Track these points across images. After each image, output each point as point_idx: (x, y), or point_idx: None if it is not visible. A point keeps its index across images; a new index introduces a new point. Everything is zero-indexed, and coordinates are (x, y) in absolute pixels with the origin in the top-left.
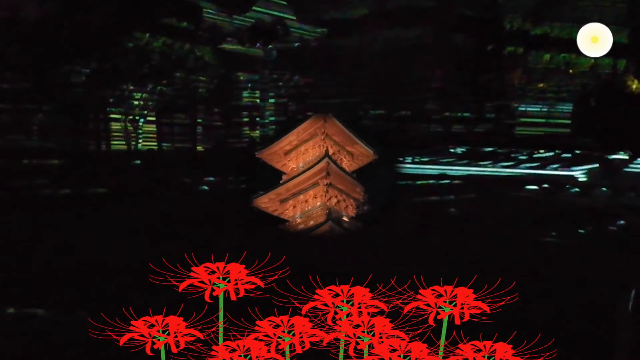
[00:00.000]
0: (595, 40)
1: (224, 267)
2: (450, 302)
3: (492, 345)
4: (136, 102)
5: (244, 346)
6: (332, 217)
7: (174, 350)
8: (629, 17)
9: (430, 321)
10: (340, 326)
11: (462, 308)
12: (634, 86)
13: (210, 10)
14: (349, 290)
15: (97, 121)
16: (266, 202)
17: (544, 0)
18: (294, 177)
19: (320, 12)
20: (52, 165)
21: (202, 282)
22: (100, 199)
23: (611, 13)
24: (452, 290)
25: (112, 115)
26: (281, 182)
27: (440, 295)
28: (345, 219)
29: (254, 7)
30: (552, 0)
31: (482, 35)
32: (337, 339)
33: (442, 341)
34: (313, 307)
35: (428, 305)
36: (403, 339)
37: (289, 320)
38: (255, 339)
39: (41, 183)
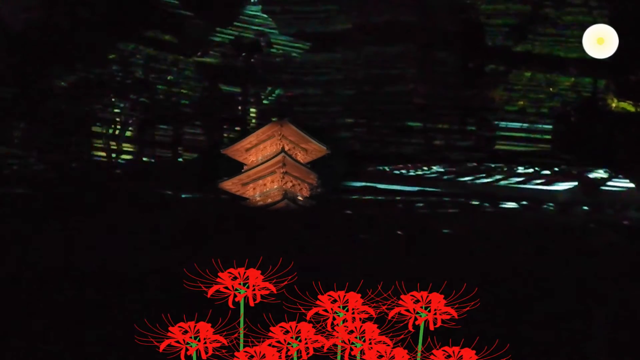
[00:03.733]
0: (601, 41)
1: (244, 272)
2: (425, 308)
3: (459, 351)
4: (118, 112)
5: (260, 352)
6: (287, 197)
7: (204, 356)
8: None
9: (410, 327)
10: (337, 332)
11: (435, 313)
12: (614, 105)
13: (193, 23)
14: (345, 295)
15: (79, 132)
16: (230, 185)
17: (526, 17)
18: (255, 166)
19: (304, 26)
20: (32, 176)
21: (226, 287)
22: (80, 209)
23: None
24: (427, 296)
25: (94, 126)
26: (242, 170)
27: (417, 301)
28: (300, 198)
29: (235, 22)
30: (535, 18)
31: (464, 51)
32: (335, 345)
33: (420, 347)
34: (315, 313)
35: (408, 310)
36: (388, 345)
37: (296, 326)
38: (270, 345)
39: (21, 193)
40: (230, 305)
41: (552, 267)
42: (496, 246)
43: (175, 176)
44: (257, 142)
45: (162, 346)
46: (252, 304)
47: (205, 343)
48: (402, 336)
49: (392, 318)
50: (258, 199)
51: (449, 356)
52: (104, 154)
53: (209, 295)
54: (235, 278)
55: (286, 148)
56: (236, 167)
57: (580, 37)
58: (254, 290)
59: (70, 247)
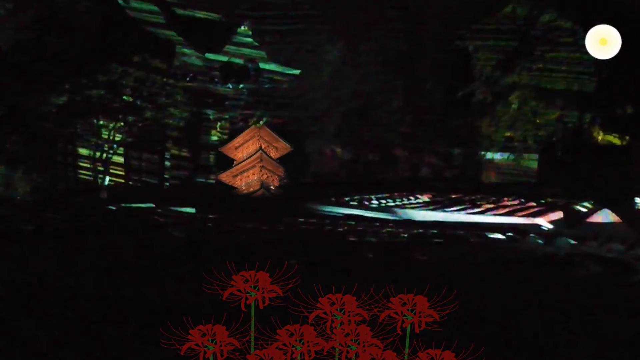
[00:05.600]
0: (604, 42)
1: (255, 275)
2: (411, 310)
3: (440, 354)
4: (105, 135)
5: (268, 355)
6: (263, 186)
7: (220, 359)
8: (596, 69)
9: (398, 329)
10: (335, 335)
11: (419, 316)
12: (600, 137)
13: (183, 48)
14: (342, 298)
15: (66, 153)
16: (224, 177)
17: (513, 50)
18: (241, 162)
19: (293, 54)
20: (18, 196)
21: (239, 290)
22: (65, 232)
23: (579, 64)
24: (413, 299)
25: (81, 148)
26: (233, 165)
27: (404, 304)
28: (272, 187)
29: (226, 47)
30: (522, 51)
31: (451, 81)
32: (334, 348)
33: (407, 349)
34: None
35: (396, 313)
36: (379, 347)
37: (299, 329)
38: (277, 347)
39: (6, 214)
40: (243, 308)
41: (535, 298)
42: (480, 276)
43: (162, 200)
44: (243, 142)
45: (184, 349)
46: (261, 306)
47: (220, 346)
48: (392, 339)
49: (382, 320)
50: (243, 188)
51: (432, 359)
52: (90, 174)
53: (224, 298)
54: (247, 281)
55: (263, 147)
56: (229, 162)
57: (567, 70)
58: (262, 292)
59: (56, 271)
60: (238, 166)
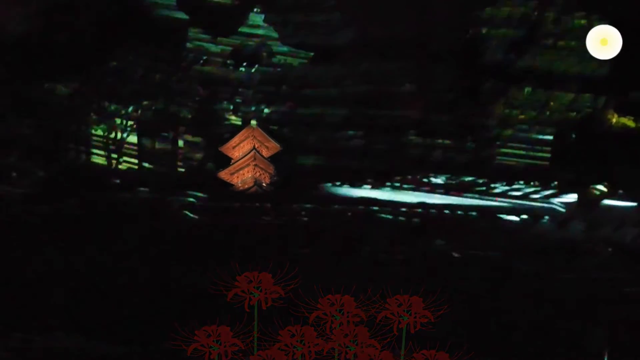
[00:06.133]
0: (604, 42)
1: (258, 276)
2: (407, 311)
3: (435, 354)
4: (118, 122)
5: (270, 355)
6: (257, 183)
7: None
8: None
9: (395, 330)
10: (334, 335)
11: (415, 317)
12: (614, 120)
13: (195, 33)
14: (341, 299)
15: (78, 139)
16: (223, 174)
17: (526, 33)
18: (237, 160)
19: (305, 38)
20: (33, 182)
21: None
22: (80, 217)
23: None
24: (408, 300)
25: (93, 135)
26: (231, 163)
27: (400, 305)
28: (264, 184)
29: (239, 29)
30: (535, 35)
31: (464, 66)
32: (333, 348)
33: (403, 350)
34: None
35: (393, 314)
36: (377, 348)
37: (300, 330)
38: (279, 348)
39: (20, 199)
40: (246, 309)
41: (549, 280)
42: (495, 259)
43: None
44: (239, 142)
45: (190, 350)
46: (264, 307)
47: (225, 347)
48: (389, 339)
49: (379, 321)
50: (239, 185)
51: (427, 359)
52: (104, 160)
53: (228, 299)
54: (250, 282)
55: (256, 146)
56: (226, 161)
57: (580, 54)
58: (265, 293)
59: (72, 254)
60: (235, 164)
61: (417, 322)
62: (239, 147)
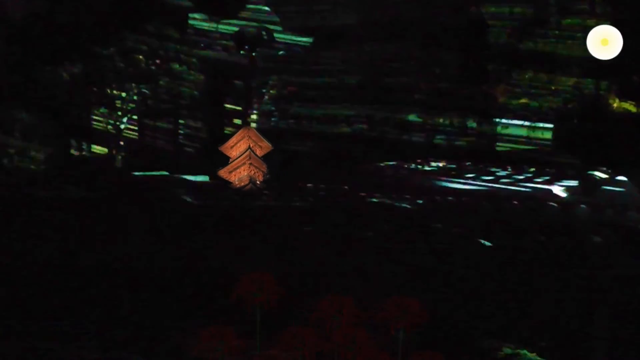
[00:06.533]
0: (605, 42)
1: (260, 277)
2: (404, 312)
3: (431, 355)
4: (119, 104)
5: (272, 356)
6: (252, 181)
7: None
8: None
9: (392, 331)
10: (334, 336)
11: (411, 318)
12: (616, 105)
13: (196, 16)
14: (340, 300)
15: (80, 122)
16: (222, 173)
17: (529, 17)
18: (235, 159)
19: (307, 21)
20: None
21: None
22: (81, 200)
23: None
24: (405, 300)
25: (95, 117)
26: (229, 162)
27: (397, 305)
28: (258, 182)
29: (240, 14)
30: (537, 18)
31: (466, 49)
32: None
33: (399, 349)
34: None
35: (390, 316)
36: (375, 349)
37: (301, 331)
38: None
39: (23, 183)
40: (249, 310)
41: (551, 264)
42: (497, 244)
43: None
44: (236, 141)
45: (195, 351)
46: (266, 307)
47: (229, 347)
48: (386, 340)
49: (377, 322)
50: (236, 182)
51: None
52: (105, 143)
53: (230, 301)
54: (253, 282)
55: (251, 146)
56: (225, 159)
57: (583, 37)
58: (267, 294)
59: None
60: (232, 163)
61: (414, 323)
62: (236, 147)
